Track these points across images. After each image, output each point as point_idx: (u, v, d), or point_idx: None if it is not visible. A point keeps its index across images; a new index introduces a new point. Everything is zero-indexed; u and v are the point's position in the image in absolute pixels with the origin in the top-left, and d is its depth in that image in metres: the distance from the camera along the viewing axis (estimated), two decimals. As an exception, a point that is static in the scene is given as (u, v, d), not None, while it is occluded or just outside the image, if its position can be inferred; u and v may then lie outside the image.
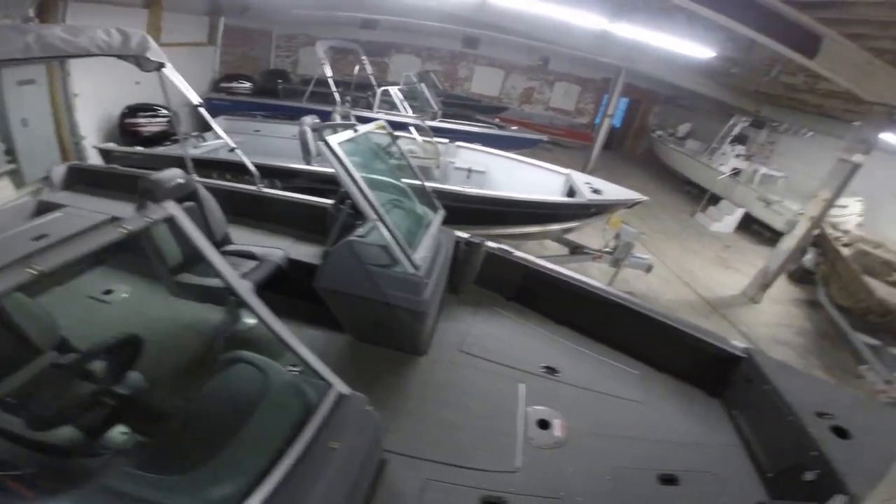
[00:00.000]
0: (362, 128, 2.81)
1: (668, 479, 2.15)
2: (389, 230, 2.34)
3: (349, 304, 2.56)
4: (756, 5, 5.00)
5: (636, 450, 2.36)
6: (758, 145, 12.77)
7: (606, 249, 6.17)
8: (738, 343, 2.92)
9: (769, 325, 6.66)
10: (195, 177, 3.31)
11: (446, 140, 7.52)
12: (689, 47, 6.22)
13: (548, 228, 6.10)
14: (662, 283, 7.46)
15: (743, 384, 2.71)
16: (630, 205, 6.27)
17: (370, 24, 14.06)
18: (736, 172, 11.64)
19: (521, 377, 2.70)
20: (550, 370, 2.80)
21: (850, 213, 9.20)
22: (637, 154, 17.59)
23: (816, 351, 6.28)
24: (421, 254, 2.53)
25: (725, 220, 10.96)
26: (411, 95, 9.54)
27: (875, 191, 9.68)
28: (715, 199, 11.53)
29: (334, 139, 2.33)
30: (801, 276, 8.57)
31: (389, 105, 8.81)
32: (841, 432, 2.12)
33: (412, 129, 7.10)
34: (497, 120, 11.87)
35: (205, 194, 3.07)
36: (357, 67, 9.84)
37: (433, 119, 9.20)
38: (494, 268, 3.36)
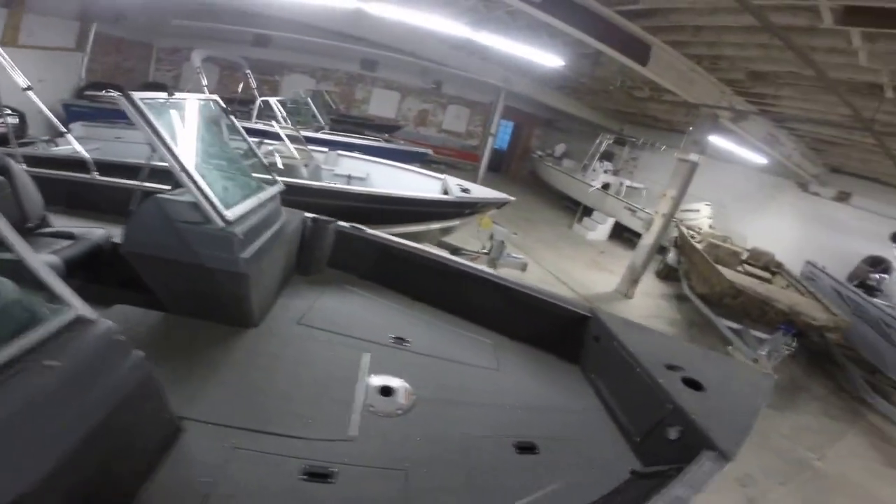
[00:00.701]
0: (183, 96, 2.78)
1: (527, 448, 2.02)
2: (194, 182, 2.18)
3: (162, 271, 2.31)
4: (594, 15, 5.37)
5: (491, 417, 2.23)
6: (623, 161, 14.13)
7: (483, 251, 6.39)
8: (584, 303, 2.95)
9: (642, 317, 7.03)
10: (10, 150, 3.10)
11: (325, 149, 7.59)
12: (541, 56, 6.68)
13: (426, 228, 6.14)
14: (542, 284, 7.66)
15: (593, 345, 2.70)
16: (499, 205, 6.52)
17: (262, 42, 13.47)
18: (606, 186, 12.68)
19: (366, 347, 2.51)
20: (400, 340, 2.66)
21: (701, 216, 10.64)
22: (522, 175, 18.62)
23: (687, 337, 6.77)
24: (237, 211, 2.34)
25: (599, 229, 11.83)
26: (296, 111, 9.62)
27: (721, 196, 11.48)
28: (589, 211, 12.41)
29: (137, 95, 2.20)
30: (667, 274, 9.54)
31: (270, 117, 8.50)
32: (693, 384, 2.10)
33: (284, 136, 6.92)
34: (386, 136, 12.10)
35: (17, 170, 2.92)
36: (241, 84, 9.56)
37: (316, 131, 9.28)
38: (347, 247, 3.29)
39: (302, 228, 3.13)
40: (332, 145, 8.10)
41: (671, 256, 9.48)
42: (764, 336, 5.97)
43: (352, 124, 12.41)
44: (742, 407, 2.06)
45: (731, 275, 6.87)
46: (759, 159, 9.57)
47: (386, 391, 2.20)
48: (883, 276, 7.69)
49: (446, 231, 6.51)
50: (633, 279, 8.11)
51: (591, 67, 8.85)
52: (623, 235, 11.82)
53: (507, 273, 6.40)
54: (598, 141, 13.40)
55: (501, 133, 19.30)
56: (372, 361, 2.40)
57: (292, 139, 7.03)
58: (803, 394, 6.26)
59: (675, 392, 2.01)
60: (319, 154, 7.36)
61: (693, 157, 7.28)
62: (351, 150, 8.13)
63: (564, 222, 12.79)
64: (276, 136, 6.95)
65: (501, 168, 18.80)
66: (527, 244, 9.35)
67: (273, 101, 8.41)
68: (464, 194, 6.15)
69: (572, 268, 8.98)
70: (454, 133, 17.74)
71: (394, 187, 6.31)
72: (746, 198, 11.67)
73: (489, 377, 2.56)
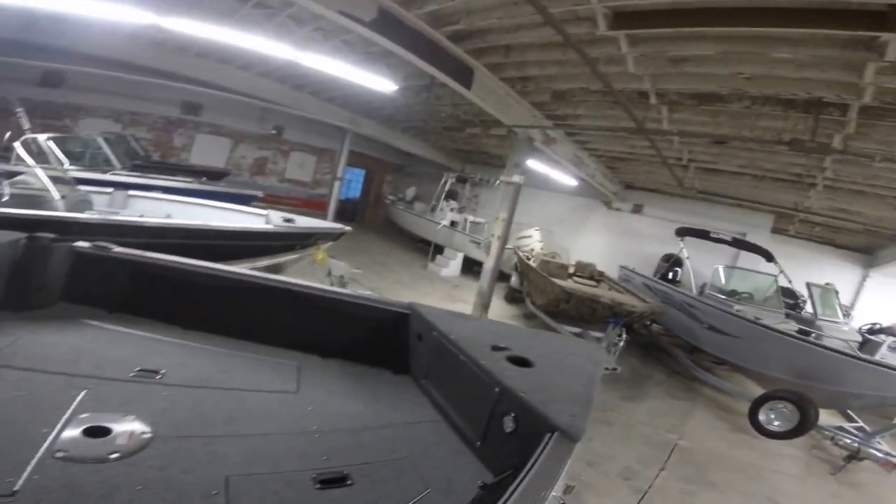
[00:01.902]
0: None
1: (333, 480, 1.64)
2: None
3: None
4: (423, 37, 5.44)
5: (282, 449, 1.82)
6: (465, 199, 15.01)
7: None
8: (401, 301, 2.68)
9: None
10: None
11: (110, 189, 6.53)
12: (374, 80, 6.57)
13: (253, 264, 5.48)
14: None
15: (418, 345, 2.42)
16: (334, 236, 6.18)
17: (53, 80, 11.04)
18: (454, 224, 13.24)
19: (84, 384, 1.93)
20: (148, 373, 2.10)
21: (533, 241, 11.77)
22: (378, 223, 18.66)
23: None
24: None
25: (451, 265, 12.23)
26: (81, 155, 8.26)
27: (547, 221, 12.95)
28: (441, 250, 12.83)
29: None
30: (513, 297, 10.15)
31: (41, 157, 7.06)
32: (521, 362, 1.92)
33: (42, 174, 5.70)
34: (204, 179, 10.67)
35: None
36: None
37: (104, 173, 8.05)
38: (91, 273, 2.54)
39: (13, 252, 2.40)
40: (125, 187, 7.02)
41: (514, 280, 10.21)
42: (600, 334, 6.54)
43: (168, 170, 10.71)
44: (578, 378, 1.88)
45: (562, 282, 7.65)
46: (571, 181, 10.99)
47: (96, 432, 1.69)
48: (676, 269, 9.11)
49: (276, 269, 5.93)
50: (483, 304, 8.37)
51: (426, 96, 9.22)
52: (473, 269, 12.34)
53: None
54: (442, 181, 14.08)
55: (354, 181, 19.30)
56: (89, 400, 1.88)
57: (56, 180, 5.90)
58: (647, 382, 6.93)
59: (500, 372, 1.80)
60: (101, 195, 6.32)
61: (516, 178, 7.95)
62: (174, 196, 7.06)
63: (420, 263, 12.99)
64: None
65: (356, 217, 18.61)
66: (383, 286, 9.33)
67: (42, 138, 7.11)
68: (286, 224, 5.72)
69: (429, 303, 9.16)
70: (300, 182, 16.91)
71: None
72: (567, 220, 13.76)
73: (283, 402, 2.14)
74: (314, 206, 15.77)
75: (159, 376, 2.08)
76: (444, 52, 5.80)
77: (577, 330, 6.87)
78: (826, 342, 6.49)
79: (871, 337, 8.00)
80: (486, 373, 1.82)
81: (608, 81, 5.47)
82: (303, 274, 6.57)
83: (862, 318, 10.47)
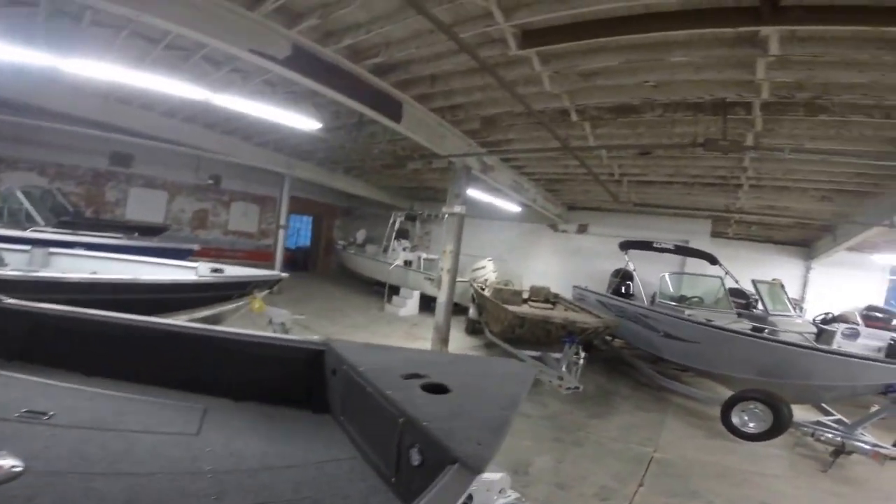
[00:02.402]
0: None
1: None
2: None
3: None
4: (342, 72, 5.37)
5: (175, 491, 1.66)
6: (418, 236, 14.92)
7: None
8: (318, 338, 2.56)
9: None
10: None
11: (28, 247, 6.16)
12: (297, 120, 6.43)
13: (190, 316, 5.19)
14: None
15: (333, 381, 2.31)
16: (271, 284, 5.85)
17: None
18: (408, 263, 13.07)
19: None
20: (34, 415, 1.96)
21: (487, 271, 11.71)
22: (332, 270, 18.22)
23: None
24: None
25: (408, 304, 11.97)
26: None
27: (499, 251, 13.10)
28: (397, 290, 12.57)
29: None
30: (473, 329, 9.98)
31: None
32: (436, 388, 1.82)
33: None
34: (136, 235, 10.07)
35: None
36: None
37: (24, 230, 7.59)
38: None
39: None
40: (46, 244, 6.62)
41: (472, 312, 10.09)
42: (559, 355, 6.44)
43: (100, 227, 10.15)
44: (497, 401, 1.81)
45: (515, 308, 7.60)
46: (515, 207, 11.13)
47: None
48: (627, 282, 9.20)
49: (214, 319, 5.57)
50: (441, 339, 8.14)
51: (356, 134, 9.15)
52: (431, 306, 12.11)
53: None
54: (391, 220, 13.98)
55: (303, 229, 18.87)
56: None
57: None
58: (614, 396, 6.79)
59: (409, 401, 1.71)
60: (17, 254, 5.96)
61: (458, 209, 7.91)
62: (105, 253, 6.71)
63: (377, 305, 12.71)
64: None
65: (308, 265, 18.13)
66: (336, 331, 9.10)
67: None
68: (213, 274, 5.41)
69: (389, 343, 8.95)
70: (245, 234, 16.30)
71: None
72: (517, 247, 14.05)
73: (179, 444, 1.96)
74: (262, 258, 15.20)
75: (47, 417, 1.94)
76: (367, 87, 5.75)
77: (536, 353, 6.78)
78: (782, 337, 6.60)
79: (826, 327, 8.23)
80: (391, 403, 1.71)
81: (527, 103, 5.55)
82: (243, 323, 6.17)
83: (813, 309, 10.93)
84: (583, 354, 6.15)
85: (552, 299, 9.48)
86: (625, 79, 5.27)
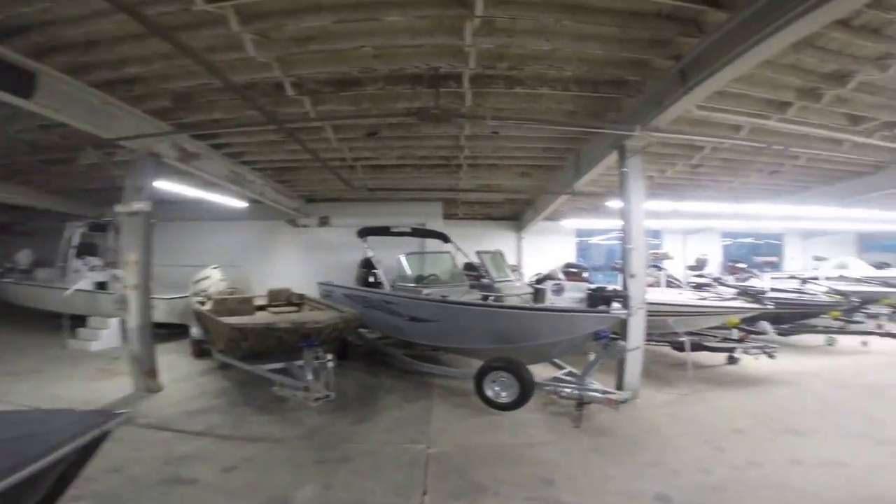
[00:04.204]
0: None
1: None
2: None
3: None
4: None
5: None
6: (112, 250, 11.48)
7: None
8: None
9: (179, 402, 5.85)
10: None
11: None
12: None
13: None
14: None
15: None
16: None
17: None
18: (102, 285, 9.86)
19: None
20: None
21: (213, 281, 9.68)
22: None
23: (240, 399, 5.95)
24: None
25: (104, 336, 9.09)
26: None
27: (230, 255, 11.40)
28: (83, 320, 9.36)
29: None
30: (201, 351, 8.09)
31: None
32: None
33: None
34: None
35: None
36: None
37: None
38: None
39: None
40: None
41: (195, 331, 8.17)
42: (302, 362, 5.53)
43: None
44: None
45: (232, 320, 6.35)
46: (240, 203, 9.53)
47: None
48: (375, 271, 8.75)
49: None
50: (147, 371, 6.17)
51: None
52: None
53: None
54: (65, 234, 10.34)
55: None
56: None
57: None
58: (378, 393, 6.18)
59: None
60: None
61: (138, 206, 5.98)
62: None
63: (58, 342, 9.24)
64: None
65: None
66: None
67: None
68: None
69: (68, 388, 6.53)
70: None
71: None
72: (253, 249, 12.41)
73: None
74: None
75: None
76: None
77: (278, 365, 5.74)
78: (508, 301, 7.03)
79: (539, 286, 9.35)
80: None
81: (226, 73, 4.58)
82: None
83: (529, 272, 12.73)
84: (329, 357, 5.38)
85: (296, 300, 8.52)
86: (342, 43, 4.75)
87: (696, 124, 6.41)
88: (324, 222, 11.73)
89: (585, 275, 11.90)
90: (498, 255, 8.79)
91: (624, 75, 5.38)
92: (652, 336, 6.54)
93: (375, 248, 8.45)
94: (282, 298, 8.48)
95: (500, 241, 13.11)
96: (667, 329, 6.86)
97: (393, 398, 5.96)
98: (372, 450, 4.42)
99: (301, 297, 8.66)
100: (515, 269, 11.74)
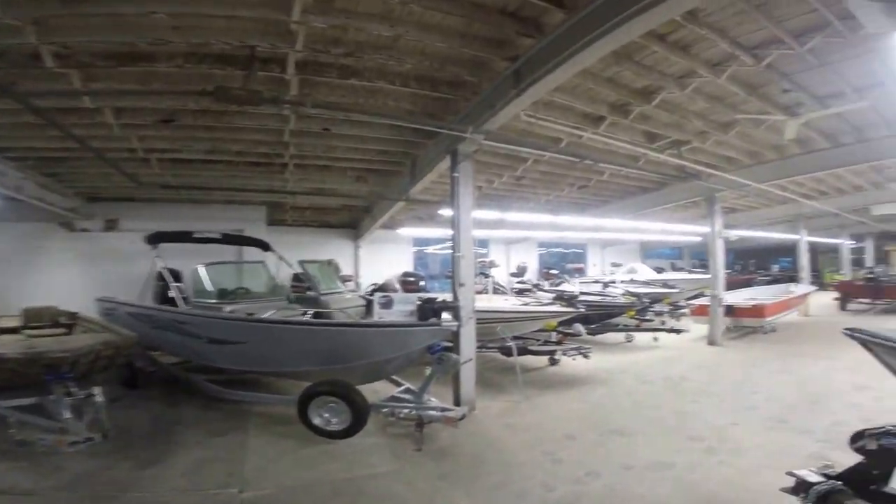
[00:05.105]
0: None
1: None
2: None
3: None
4: None
5: None
6: None
7: None
8: None
9: None
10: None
11: None
12: None
13: None
14: None
15: None
16: None
17: None
18: None
19: None
20: None
21: None
22: None
23: None
24: None
25: None
26: None
27: None
28: None
29: None
30: None
31: None
32: None
33: None
34: None
35: None
36: None
37: None
38: None
39: None
40: None
41: None
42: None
43: None
44: None
45: None
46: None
47: None
48: (178, 284, 7.32)
49: None
50: None
51: None
52: None
53: None
54: None
55: None
56: None
57: None
58: (176, 427, 5.00)
59: None
60: None
61: None
62: None
63: None
64: None
65: None
66: None
67: None
68: None
69: None
70: None
71: None
72: (12, 258, 9.44)
73: None
74: None
75: None
76: None
77: (28, 401, 4.28)
78: (334, 318, 6.37)
79: (371, 298, 8.85)
80: None
81: None
82: None
83: (366, 282, 12.20)
84: (96, 391, 4.25)
85: (67, 320, 6.71)
86: (126, 6, 3.84)
87: (524, 134, 6.70)
88: (111, 226, 9.50)
89: (423, 284, 11.88)
90: (326, 265, 8.12)
91: (463, 75, 5.27)
92: (483, 343, 6.57)
93: (181, 259, 7.04)
94: (45, 319, 6.63)
95: (336, 249, 12.47)
96: (495, 336, 6.99)
97: (195, 433, 4.86)
98: (165, 500, 3.48)
99: (73, 316, 6.83)
100: (349, 279, 11.16)
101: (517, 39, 4.48)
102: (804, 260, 14.53)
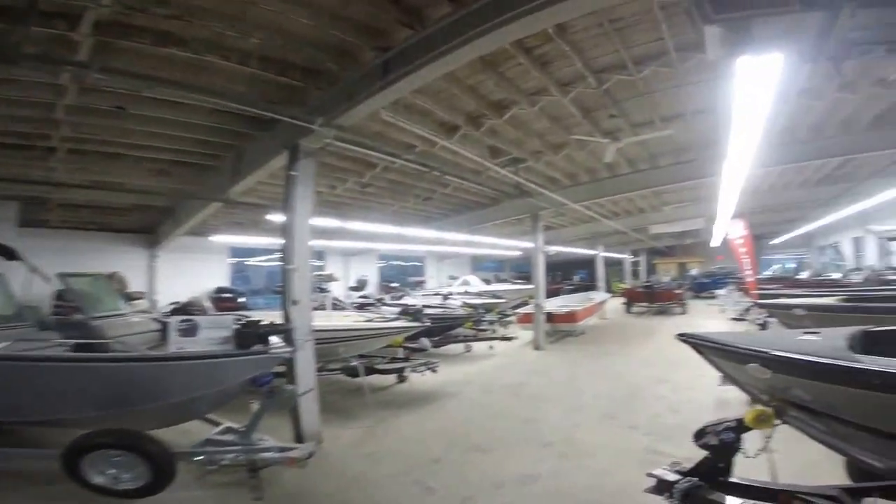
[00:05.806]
0: None
1: None
2: None
3: None
4: None
5: None
6: None
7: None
8: None
9: None
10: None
11: None
12: None
13: None
14: None
15: None
16: None
17: None
18: None
19: None
20: None
21: None
22: None
23: None
24: None
25: None
26: None
27: None
28: None
29: None
30: None
31: None
32: None
33: None
34: None
35: None
36: None
37: None
38: None
39: None
40: None
41: None
42: None
43: None
44: None
45: None
46: None
47: None
48: None
49: None
50: None
51: None
52: None
53: None
54: None
55: None
56: None
57: None
58: None
59: None
60: None
61: None
62: None
63: None
64: None
65: None
66: None
67: None
68: None
69: None
70: None
71: None
72: None
73: None
74: None
75: None
76: None
77: None
78: (113, 345, 4.76)
79: (168, 320, 7.09)
80: None
81: None
82: None
83: (165, 299, 10.05)
84: None
85: None
86: None
87: (377, 137, 6.12)
88: None
89: (242, 300, 10.28)
90: (103, 280, 6.26)
91: (323, 61, 4.46)
92: (323, 364, 5.77)
93: None
94: None
95: (125, 259, 10.07)
96: (337, 356, 6.23)
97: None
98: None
99: None
100: (140, 297, 9.02)
101: (395, 29, 3.98)
102: (601, 271, 17.05)
